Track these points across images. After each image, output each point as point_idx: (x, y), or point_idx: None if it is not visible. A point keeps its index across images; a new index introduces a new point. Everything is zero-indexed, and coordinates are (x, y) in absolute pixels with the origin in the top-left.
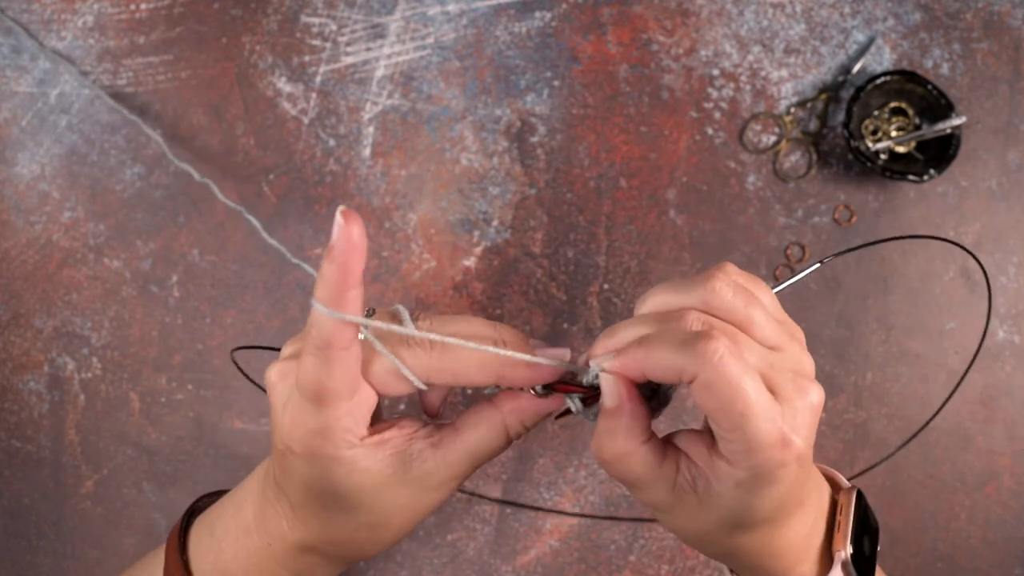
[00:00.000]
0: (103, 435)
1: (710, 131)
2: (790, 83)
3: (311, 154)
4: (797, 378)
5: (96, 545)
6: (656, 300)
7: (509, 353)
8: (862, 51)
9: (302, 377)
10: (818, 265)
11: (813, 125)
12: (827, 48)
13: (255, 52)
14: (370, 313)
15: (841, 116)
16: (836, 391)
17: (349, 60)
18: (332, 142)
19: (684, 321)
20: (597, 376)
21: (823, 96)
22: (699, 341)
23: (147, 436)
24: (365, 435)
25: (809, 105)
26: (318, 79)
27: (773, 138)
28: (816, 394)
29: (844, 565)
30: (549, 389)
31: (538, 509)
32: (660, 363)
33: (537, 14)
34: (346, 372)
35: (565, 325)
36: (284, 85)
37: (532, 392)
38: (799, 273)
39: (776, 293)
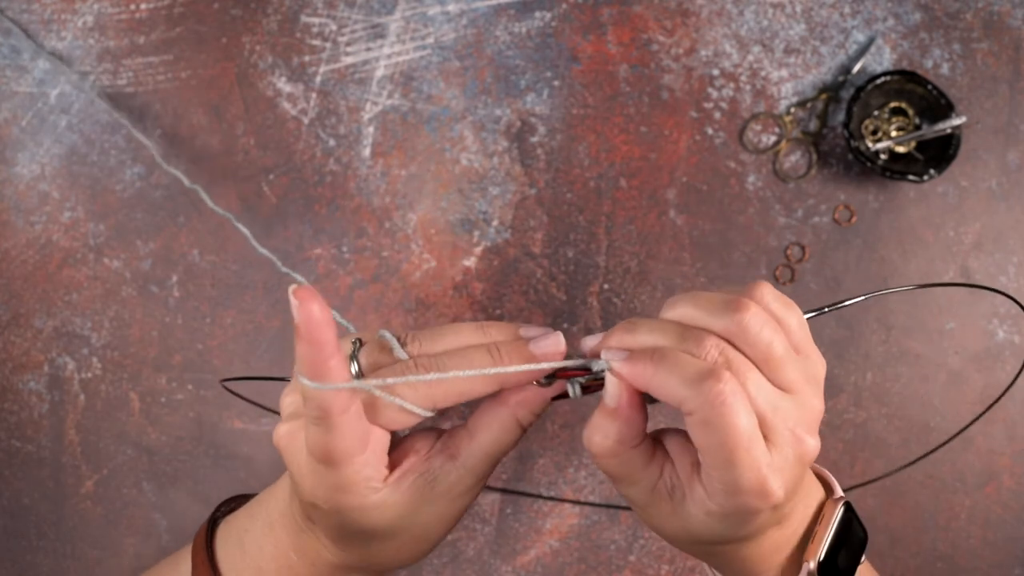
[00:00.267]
0: (103, 435)
1: (710, 131)
2: (790, 83)
3: (311, 154)
4: (796, 428)
5: (96, 545)
6: (684, 311)
7: (507, 369)
8: (862, 51)
9: (310, 445)
10: (863, 298)
11: (813, 125)
12: (827, 48)
13: (255, 52)
14: (356, 345)
15: (841, 116)
16: (836, 391)
17: (349, 60)
18: (332, 142)
19: (701, 348)
20: (603, 369)
21: (823, 96)
22: (706, 380)
23: (147, 436)
24: (386, 475)
25: (809, 105)
26: (318, 79)
27: (773, 138)
28: (811, 446)
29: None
30: (552, 377)
31: (541, 497)
32: (664, 387)
33: (537, 14)
34: (351, 431)
35: (565, 325)
36: (284, 85)
37: (535, 384)
38: (845, 303)
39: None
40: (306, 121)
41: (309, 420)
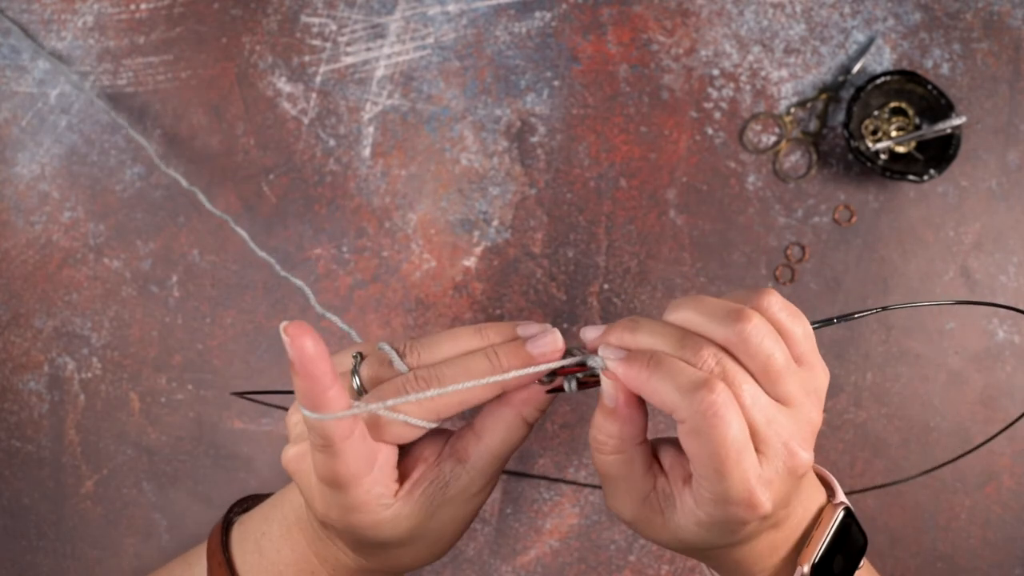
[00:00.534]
0: (103, 435)
1: (710, 131)
2: (790, 83)
3: (311, 154)
4: (790, 441)
5: (96, 545)
6: (686, 316)
7: (504, 377)
8: (862, 51)
9: (318, 471)
10: (878, 311)
11: (813, 125)
12: (827, 48)
13: (255, 52)
14: (357, 360)
15: (841, 116)
16: (836, 391)
17: (349, 60)
18: (332, 142)
19: (698, 357)
20: (598, 368)
21: (823, 96)
22: (699, 390)
23: (147, 436)
24: (396, 489)
25: (809, 105)
26: (318, 79)
27: (773, 138)
28: (803, 460)
29: None
30: (553, 375)
31: (545, 478)
32: (657, 393)
33: (537, 14)
34: (357, 455)
35: (565, 325)
36: (284, 85)
37: (537, 382)
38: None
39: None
40: (306, 121)
41: (314, 448)
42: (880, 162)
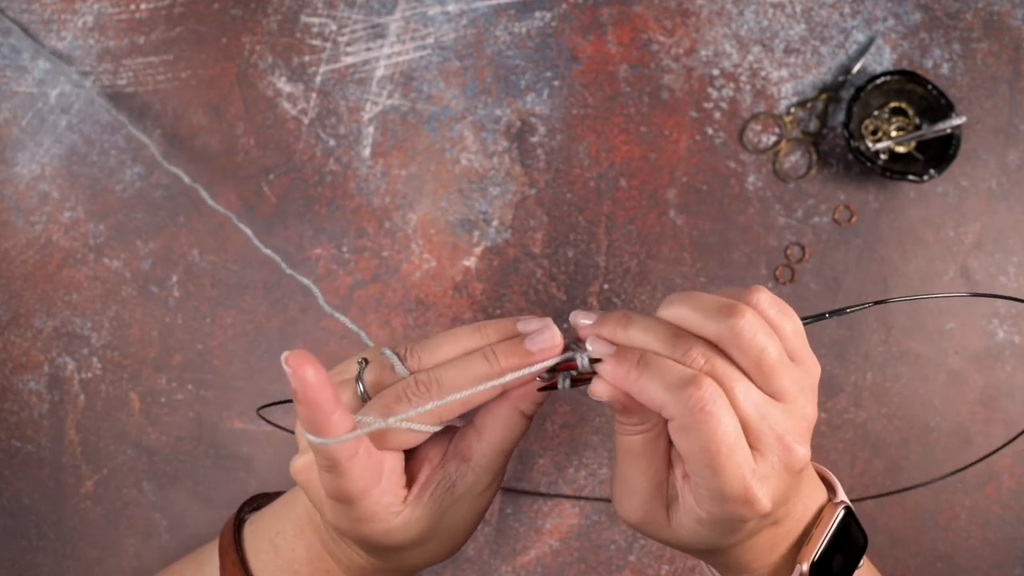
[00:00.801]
0: (103, 435)
1: (710, 131)
2: (790, 83)
3: (311, 154)
4: (785, 436)
5: (96, 545)
6: (679, 312)
7: (502, 380)
8: (862, 51)
9: (326, 489)
10: (869, 305)
11: (813, 125)
12: (827, 48)
13: (255, 52)
14: (362, 365)
15: (841, 116)
16: (836, 391)
17: (349, 60)
18: (332, 142)
19: (688, 356)
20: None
21: (823, 96)
22: (687, 387)
23: (147, 436)
24: (404, 495)
25: (809, 105)
26: (318, 79)
27: (773, 138)
28: (800, 455)
29: None
30: (553, 370)
31: (540, 495)
32: (645, 391)
33: (537, 14)
34: (363, 471)
35: (565, 325)
36: (284, 85)
37: (537, 379)
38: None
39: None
40: (306, 121)
41: (320, 467)
42: (880, 162)
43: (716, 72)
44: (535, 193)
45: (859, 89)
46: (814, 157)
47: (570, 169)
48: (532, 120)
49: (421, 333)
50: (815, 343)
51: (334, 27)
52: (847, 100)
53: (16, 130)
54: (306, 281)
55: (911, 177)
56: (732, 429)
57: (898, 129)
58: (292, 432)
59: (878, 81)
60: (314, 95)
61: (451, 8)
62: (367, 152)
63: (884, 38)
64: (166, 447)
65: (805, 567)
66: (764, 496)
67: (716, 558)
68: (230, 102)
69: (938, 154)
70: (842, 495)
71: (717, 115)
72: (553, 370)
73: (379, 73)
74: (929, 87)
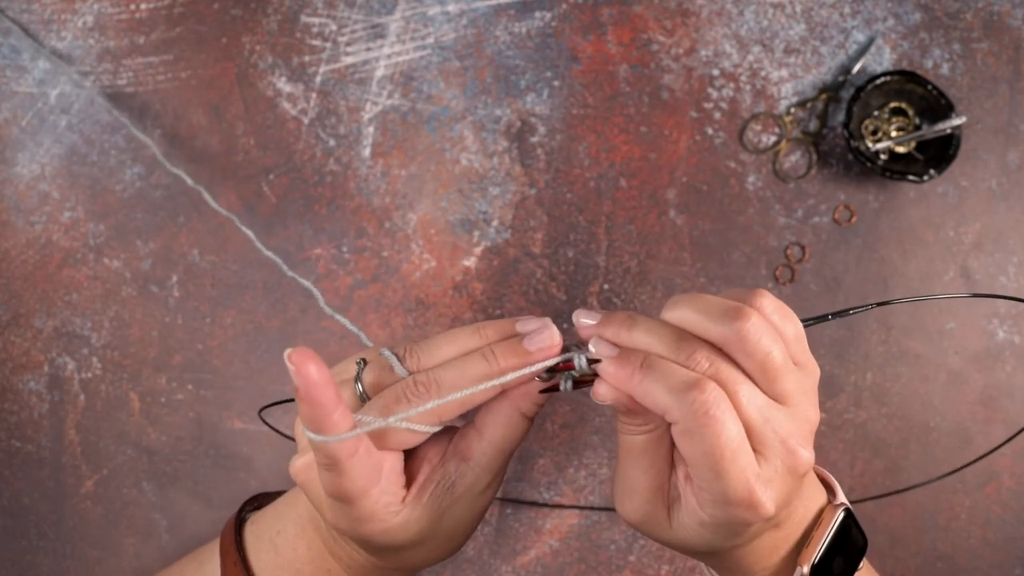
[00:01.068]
0: (103, 435)
1: (710, 131)
2: (790, 83)
3: (311, 154)
4: (788, 439)
5: (96, 545)
6: (684, 314)
7: (501, 380)
8: (862, 51)
9: (325, 488)
10: (872, 307)
11: (813, 125)
12: (827, 48)
13: (255, 52)
14: (361, 366)
15: (841, 116)
16: (836, 391)
17: (349, 60)
18: (332, 142)
19: (692, 359)
20: (589, 363)
21: (823, 96)
22: (690, 390)
23: (147, 436)
24: (404, 494)
25: (809, 105)
26: (318, 79)
27: (773, 138)
28: (804, 458)
29: None
30: (553, 370)
31: (536, 504)
32: (648, 394)
33: (537, 14)
34: (363, 470)
35: (565, 326)
36: (284, 85)
37: (537, 379)
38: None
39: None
40: (306, 121)
41: (320, 466)
42: (880, 162)
43: (716, 72)
44: (535, 193)
45: (859, 89)
46: (814, 157)
47: (570, 169)
48: (532, 120)
49: (421, 333)
50: (815, 343)
51: (334, 27)
52: (847, 100)
53: (16, 130)
54: (307, 283)
55: (911, 177)
56: (736, 433)
57: (898, 129)
58: (292, 439)
59: (878, 81)
60: (314, 95)
61: (451, 8)
62: (367, 152)
63: (884, 38)
64: (166, 447)
65: (806, 569)
66: (768, 500)
67: (716, 560)
68: (230, 102)
69: (938, 154)
70: (841, 497)
71: (717, 115)
72: (553, 370)
73: (379, 73)
74: (929, 87)
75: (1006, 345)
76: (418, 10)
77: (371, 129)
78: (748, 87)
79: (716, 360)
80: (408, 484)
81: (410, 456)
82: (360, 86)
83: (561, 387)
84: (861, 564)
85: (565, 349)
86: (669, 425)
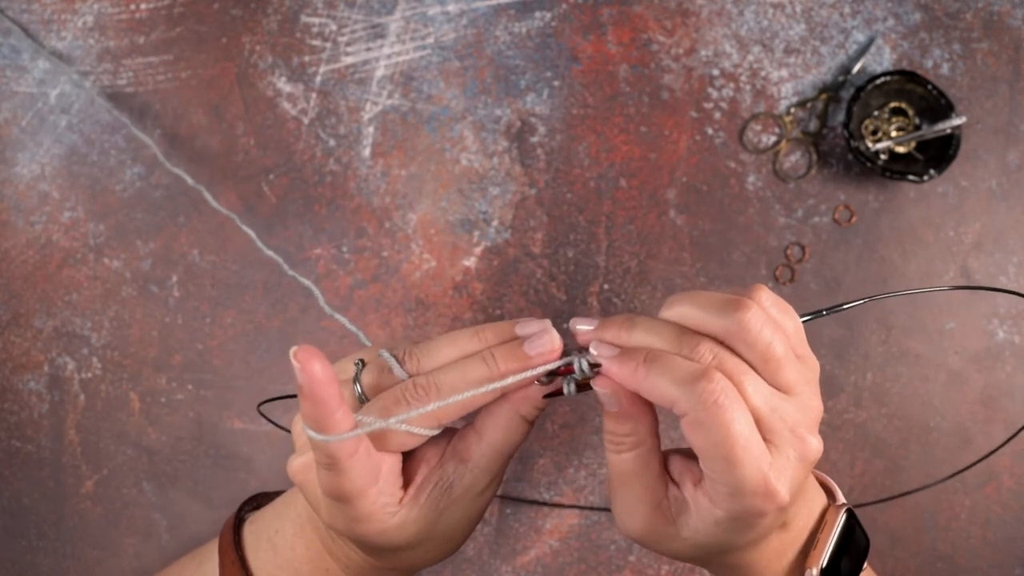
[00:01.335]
0: (103, 435)
1: (710, 131)
2: (790, 83)
3: (311, 154)
4: (796, 428)
5: (96, 545)
6: (683, 310)
7: (500, 384)
8: (862, 51)
9: (323, 487)
10: (863, 301)
11: (813, 125)
12: (827, 48)
13: (255, 52)
14: (359, 367)
15: (841, 116)
16: (836, 391)
17: (349, 60)
18: (332, 142)
19: (695, 352)
20: (591, 366)
21: (823, 96)
22: (698, 381)
23: (147, 436)
24: (401, 496)
25: (809, 105)
26: (318, 79)
27: (773, 138)
28: (813, 446)
29: None
30: (553, 374)
31: (537, 503)
32: (656, 388)
33: (537, 14)
34: (361, 470)
35: (565, 326)
36: (284, 85)
37: (536, 383)
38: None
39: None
40: (306, 121)
41: (319, 465)
42: (880, 162)
43: (716, 72)
44: (535, 193)
45: (859, 89)
46: (814, 157)
47: (570, 169)
48: (532, 120)
49: (421, 333)
50: (815, 343)
51: (334, 27)
52: (847, 100)
53: (16, 130)
54: (307, 283)
55: (911, 177)
56: (747, 422)
57: (898, 129)
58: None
59: (878, 81)
60: (314, 95)
61: (451, 8)
62: (367, 152)
63: (884, 38)
64: (166, 447)
65: (815, 572)
66: (783, 487)
67: (724, 566)
68: (230, 102)
69: (938, 154)
70: (841, 498)
71: (717, 115)
72: (554, 374)
73: (379, 73)
74: (929, 87)
75: (1006, 345)
76: (418, 10)
77: (371, 129)
78: (748, 87)
79: (720, 352)
80: (406, 485)
81: (408, 457)
82: (360, 86)
83: (565, 391)
84: (865, 564)
85: (565, 353)
86: (657, 440)
